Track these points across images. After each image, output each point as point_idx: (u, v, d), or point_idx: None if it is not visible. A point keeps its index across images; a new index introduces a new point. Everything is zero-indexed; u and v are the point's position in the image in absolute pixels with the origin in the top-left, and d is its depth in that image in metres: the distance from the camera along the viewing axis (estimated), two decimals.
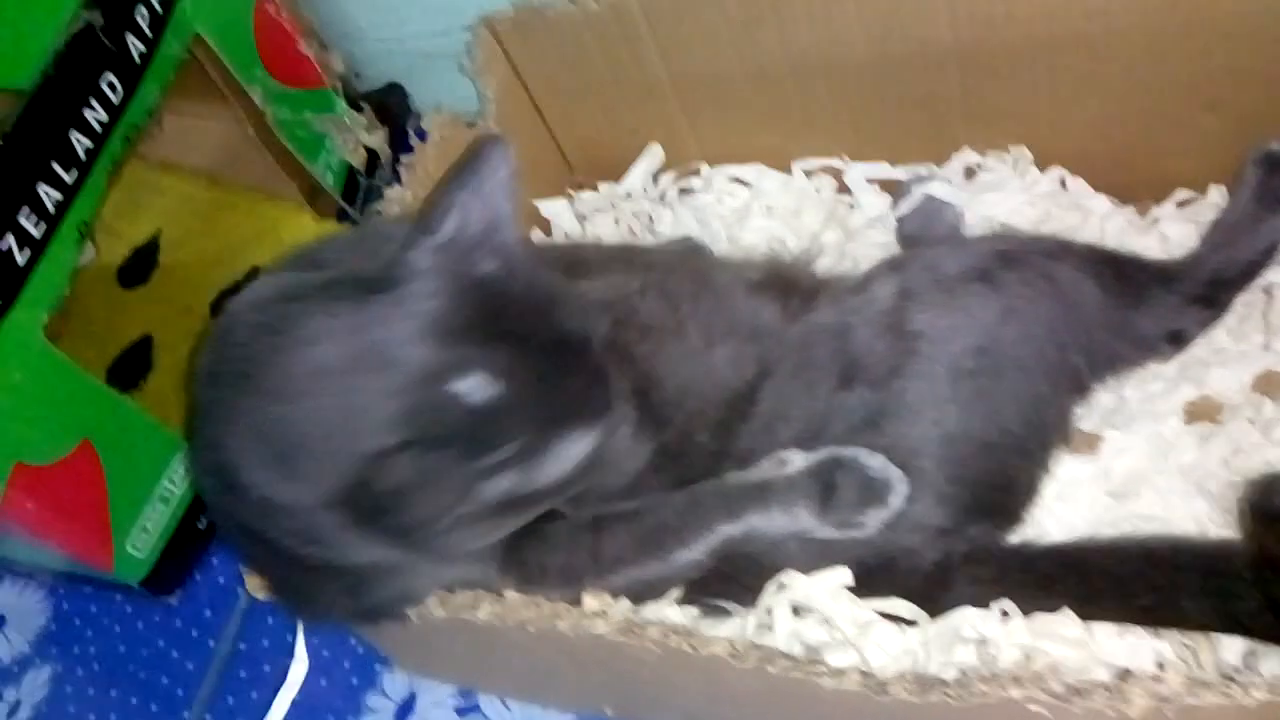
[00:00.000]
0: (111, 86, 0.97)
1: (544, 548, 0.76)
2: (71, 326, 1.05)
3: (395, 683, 1.02)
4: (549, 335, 0.68)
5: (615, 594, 0.76)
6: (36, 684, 1.17)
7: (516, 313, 0.67)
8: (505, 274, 0.67)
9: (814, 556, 0.77)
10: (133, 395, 1.15)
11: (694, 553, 0.76)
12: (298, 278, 0.71)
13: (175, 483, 1.09)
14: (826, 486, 0.75)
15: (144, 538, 1.07)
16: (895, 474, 0.74)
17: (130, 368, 1.24)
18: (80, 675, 1.16)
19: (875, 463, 0.75)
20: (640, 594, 0.77)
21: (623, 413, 0.73)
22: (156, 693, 1.11)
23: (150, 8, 1.00)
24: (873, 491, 0.74)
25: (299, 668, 0.91)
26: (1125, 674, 0.60)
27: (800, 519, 0.75)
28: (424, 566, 0.75)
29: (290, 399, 0.65)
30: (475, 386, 0.63)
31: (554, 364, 0.67)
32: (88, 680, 1.15)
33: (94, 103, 0.95)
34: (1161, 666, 0.69)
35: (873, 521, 0.74)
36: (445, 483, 0.64)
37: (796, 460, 0.77)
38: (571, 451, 0.67)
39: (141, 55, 0.99)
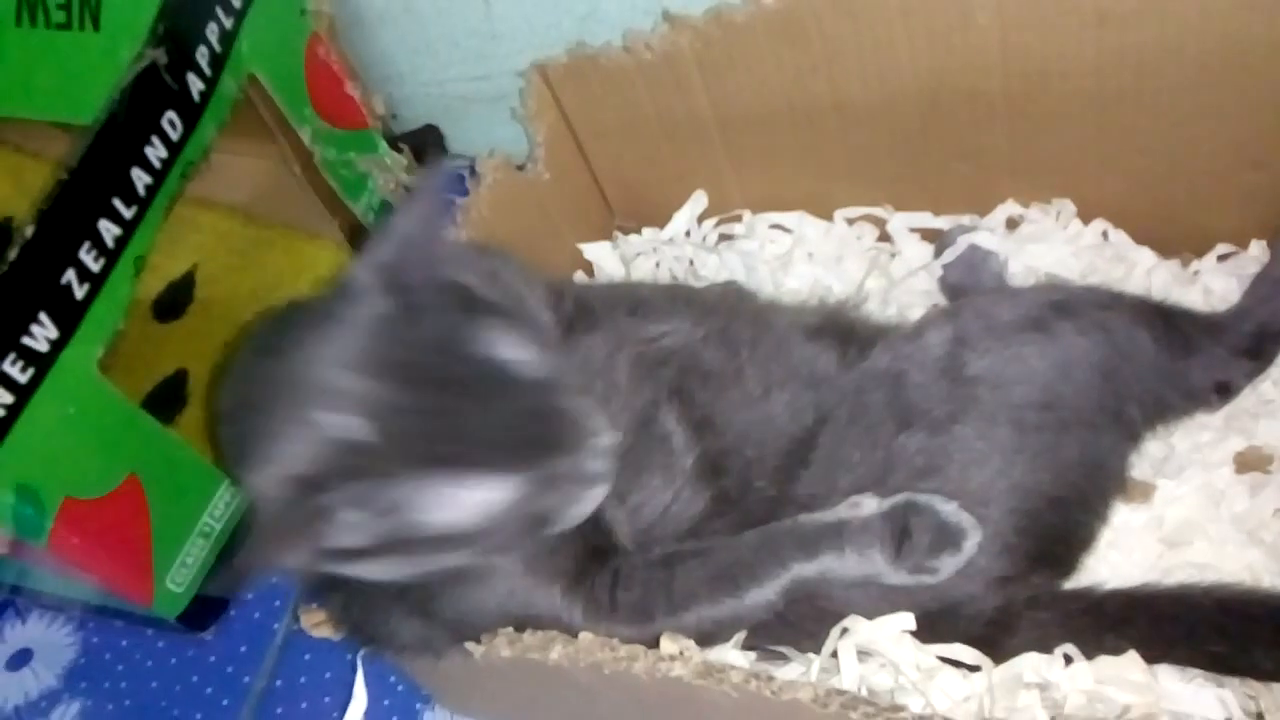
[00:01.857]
0: (172, 124, 0.98)
1: (617, 582, 0.76)
2: (106, 360, 1.06)
3: None
4: (465, 371, 0.65)
5: (685, 633, 0.76)
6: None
7: (429, 346, 0.65)
8: (429, 297, 0.66)
9: (875, 601, 0.78)
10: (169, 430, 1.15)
11: (767, 592, 0.76)
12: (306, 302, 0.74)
13: (216, 518, 1.09)
14: (901, 531, 0.75)
15: (184, 572, 1.07)
16: (969, 520, 0.75)
17: (166, 402, 1.23)
18: (110, 711, 1.14)
19: (949, 508, 0.75)
20: (710, 634, 0.77)
21: (593, 456, 0.68)
22: None
23: (210, 47, 1.01)
24: (947, 537, 0.75)
25: (357, 706, 0.90)
26: None
27: (874, 562, 0.75)
28: (490, 578, 0.75)
29: (243, 411, 0.69)
30: (355, 422, 0.63)
31: (461, 402, 0.64)
32: (118, 716, 1.14)
33: (155, 140, 0.96)
34: (1261, 716, 0.70)
35: (946, 568, 0.75)
36: (308, 522, 0.63)
37: (870, 504, 0.77)
38: (460, 496, 0.64)
39: (201, 94, 1.00)
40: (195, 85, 1.00)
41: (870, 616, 0.77)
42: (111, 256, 0.93)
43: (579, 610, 0.76)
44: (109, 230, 0.93)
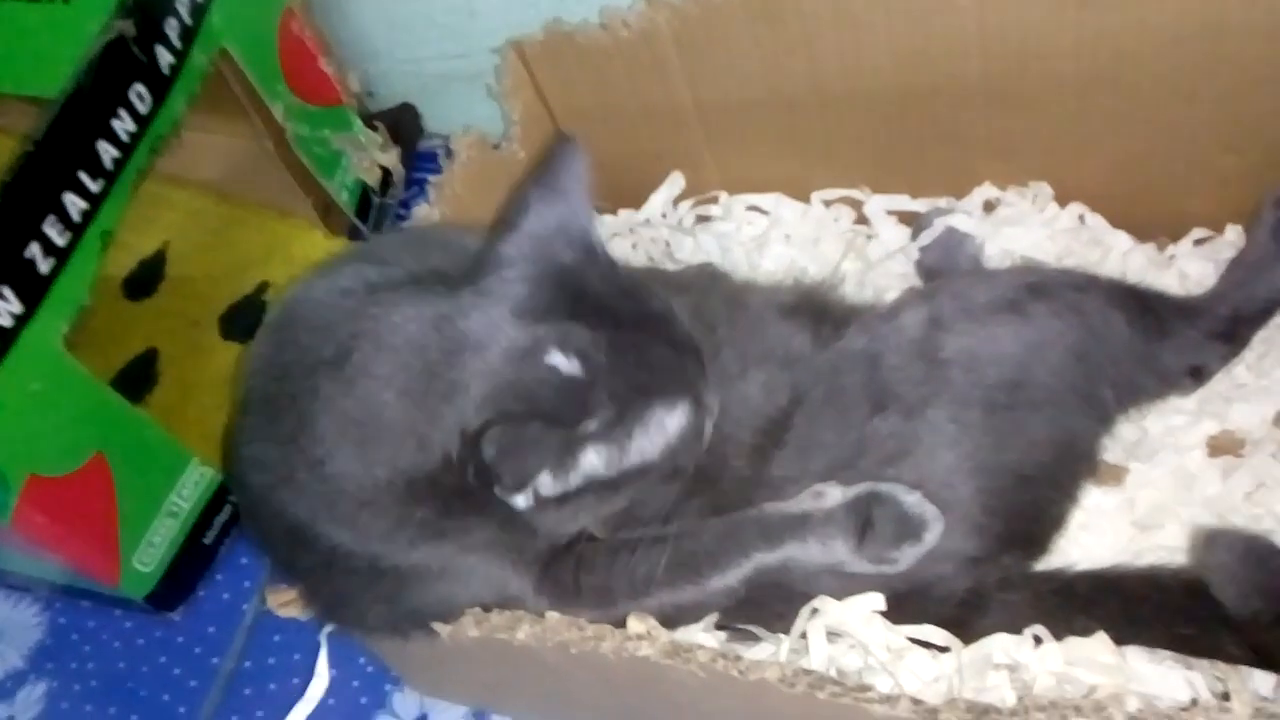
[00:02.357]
0: (140, 97, 0.96)
1: (581, 567, 0.76)
2: (76, 338, 1.04)
3: (405, 702, 1.01)
4: (634, 313, 0.70)
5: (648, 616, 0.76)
6: (31, 700, 1.14)
7: (599, 294, 0.69)
8: (585, 261, 0.70)
9: (844, 582, 0.77)
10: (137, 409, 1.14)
11: (729, 580, 0.76)
12: (376, 270, 0.72)
13: (184, 497, 1.08)
14: (863, 521, 0.75)
15: (151, 552, 1.06)
16: (931, 511, 0.75)
17: (135, 381, 1.22)
18: (77, 691, 1.13)
19: (912, 499, 0.75)
20: (673, 619, 0.77)
21: (714, 385, 0.74)
22: (158, 710, 1.09)
23: (180, 20, 1.00)
24: (908, 528, 0.74)
25: (319, 684, 0.89)
26: (1192, 703, 0.60)
27: (836, 552, 0.75)
28: (467, 573, 0.75)
29: (383, 380, 0.66)
30: (565, 360, 0.66)
31: (641, 339, 0.69)
32: (85, 697, 1.13)
33: (123, 113, 0.95)
34: (1226, 696, 0.70)
35: (907, 557, 0.75)
36: (539, 454, 0.64)
37: (834, 494, 0.77)
38: (666, 422, 0.68)
39: (171, 67, 0.99)
40: (164, 58, 0.98)
41: (839, 597, 0.77)
42: (77, 230, 0.92)
43: (545, 598, 0.76)
44: (74, 204, 0.91)
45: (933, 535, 0.75)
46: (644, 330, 0.70)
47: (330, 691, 1.02)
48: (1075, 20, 0.89)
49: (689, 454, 0.71)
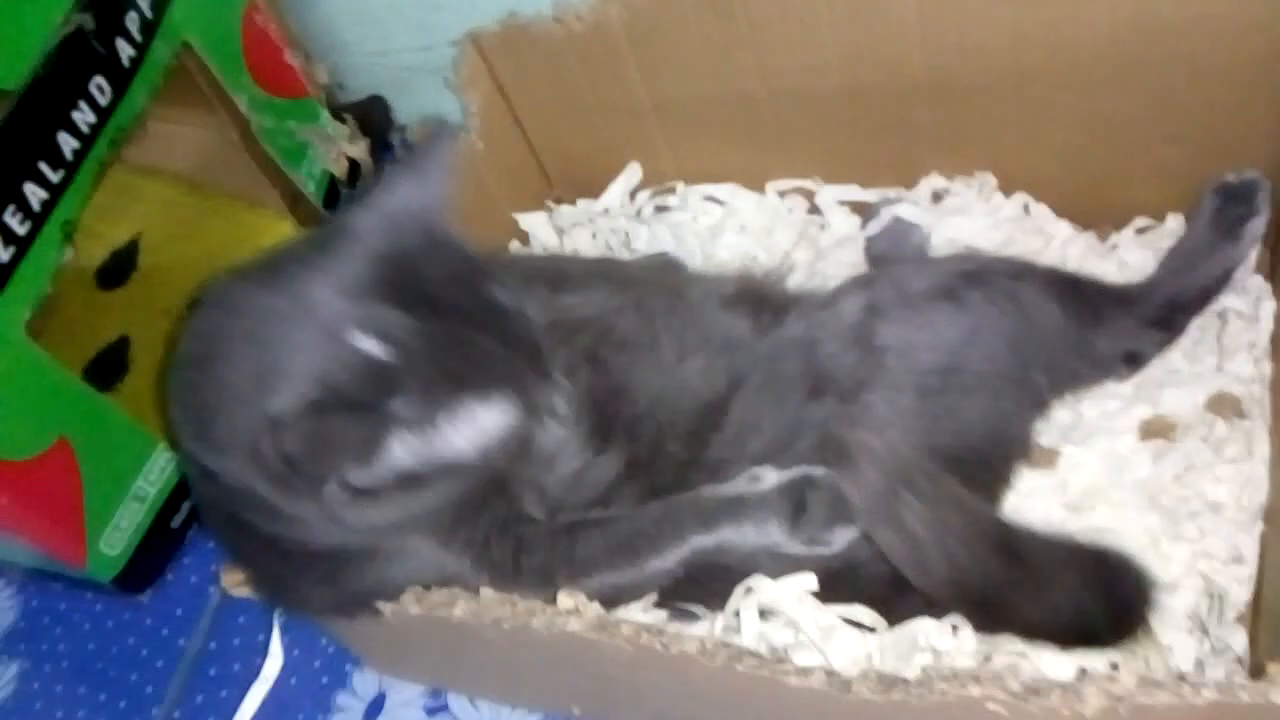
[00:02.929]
0: (100, 89, 0.98)
1: (521, 549, 0.78)
2: (49, 326, 1.06)
3: (365, 682, 1.03)
4: (467, 305, 0.68)
5: (589, 598, 0.77)
6: (3, 681, 1.17)
7: (432, 281, 0.68)
8: (428, 246, 0.69)
9: (781, 562, 0.79)
10: (109, 396, 1.15)
11: (666, 562, 0.78)
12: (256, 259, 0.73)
13: (150, 482, 1.10)
14: (798, 504, 0.76)
15: (118, 536, 1.08)
16: None
17: (107, 369, 1.24)
18: (48, 672, 1.16)
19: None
20: (612, 599, 0.78)
21: (558, 391, 0.72)
22: (126, 690, 1.11)
23: (141, 13, 1.02)
24: (841, 510, 0.76)
25: (273, 663, 0.92)
26: (1081, 673, 0.62)
27: (770, 534, 0.77)
28: (403, 555, 0.76)
29: (210, 363, 0.68)
30: (373, 343, 0.64)
31: (468, 333, 0.67)
32: (56, 677, 1.15)
33: (83, 105, 0.97)
34: (1115, 666, 0.72)
35: (840, 540, 0.76)
36: (342, 447, 0.63)
37: (770, 477, 0.78)
38: (480, 416, 0.66)
39: (131, 60, 1.01)
40: (125, 51, 1.00)
41: (776, 576, 0.79)
42: (38, 220, 0.94)
43: (485, 578, 0.78)
44: (35, 193, 0.93)
45: None
46: (474, 323, 0.68)
47: (292, 672, 1.05)
48: (1012, 13, 0.90)
49: (509, 455, 0.69)
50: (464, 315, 0.68)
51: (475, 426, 0.66)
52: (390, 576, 0.77)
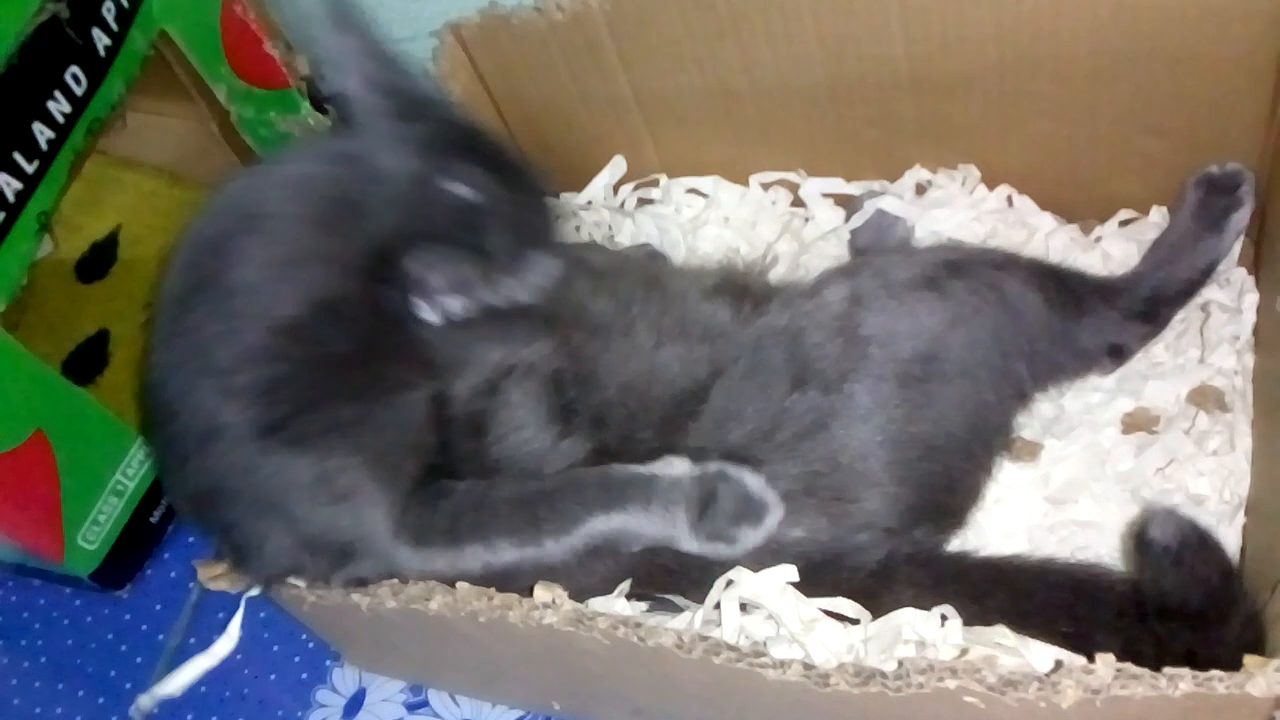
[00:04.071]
0: (75, 79, 0.97)
1: (435, 507, 0.76)
2: (28, 319, 1.05)
3: (345, 678, 1.03)
4: (513, 166, 0.75)
5: (492, 566, 0.76)
6: None
7: (482, 143, 0.75)
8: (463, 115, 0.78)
9: (761, 553, 0.79)
10: (89, 389, 1.14)
11: (568, 533, 0.76)
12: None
13: (129, 476, 1.09)
14: (707, 495, 0.76)
15: (96, 530, 1.07)
16: (773, 498, 0.76)
17: (86, 362, 1.23)
18: (26, 668, 1.15)
19: (756, 483, 0.76)
20: (513, 568, 0.77)
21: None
22: (104, 686, 1.10)
23: (117, 2, 1.00)
24: (749, 509, 0.75)
25: (225, 642, 0.91)
26: (1057, 665, 0.62)
27: (676, 521, 0.76)
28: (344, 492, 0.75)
29: (283, 207, 0.71)
30: (464, 188, 0.70)
31: (521, 191, 0.74)
32: (34, 673, 1.14)
33: (57, 94, 0.95)
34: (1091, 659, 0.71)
35: (744, 540, 0.76)
36: (457, 270, 0.67)
37: (682, 466, 0.77)
38: (546, 266, 0.72)
39: (107, 49, 1.00)
40: (101, 40, 0.99)
41: (756, 568, 0.78)
42: (12, 211, 0.93)
43: (404, 541, 0.76)
44: (9, 184, 0.92)
45: (772, 520, 0.76)
46: (523, 185, 0.74)
47: (271, 667, 1.05)
48: (995, 6, 0.90)
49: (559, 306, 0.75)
50: (513, 177, 0.74)
51: (545, 272, 0.72)
52: (337, 517, 0.75)
